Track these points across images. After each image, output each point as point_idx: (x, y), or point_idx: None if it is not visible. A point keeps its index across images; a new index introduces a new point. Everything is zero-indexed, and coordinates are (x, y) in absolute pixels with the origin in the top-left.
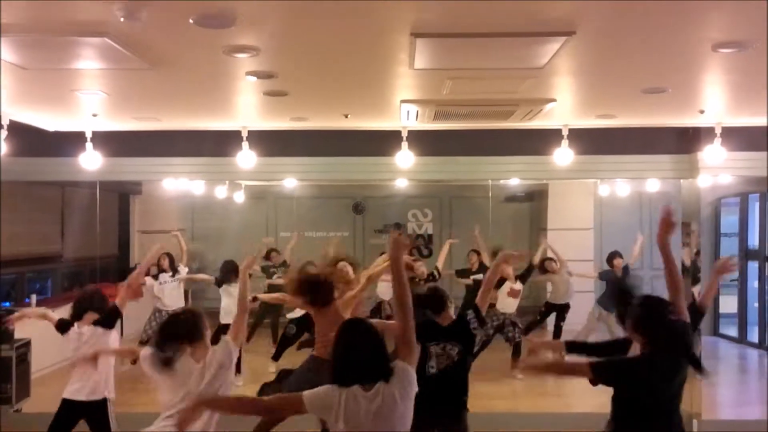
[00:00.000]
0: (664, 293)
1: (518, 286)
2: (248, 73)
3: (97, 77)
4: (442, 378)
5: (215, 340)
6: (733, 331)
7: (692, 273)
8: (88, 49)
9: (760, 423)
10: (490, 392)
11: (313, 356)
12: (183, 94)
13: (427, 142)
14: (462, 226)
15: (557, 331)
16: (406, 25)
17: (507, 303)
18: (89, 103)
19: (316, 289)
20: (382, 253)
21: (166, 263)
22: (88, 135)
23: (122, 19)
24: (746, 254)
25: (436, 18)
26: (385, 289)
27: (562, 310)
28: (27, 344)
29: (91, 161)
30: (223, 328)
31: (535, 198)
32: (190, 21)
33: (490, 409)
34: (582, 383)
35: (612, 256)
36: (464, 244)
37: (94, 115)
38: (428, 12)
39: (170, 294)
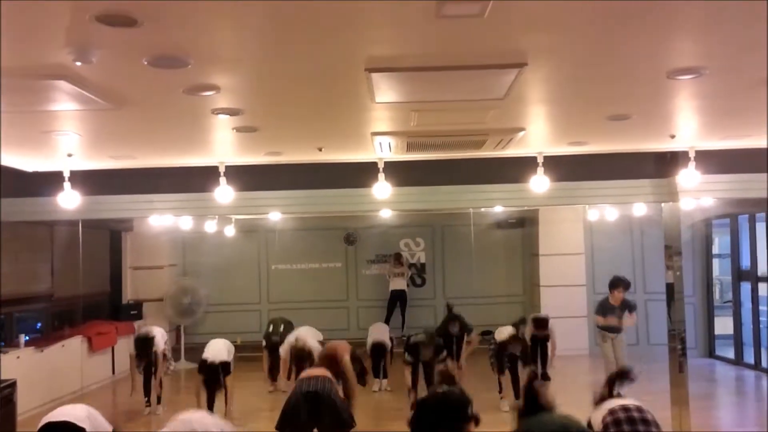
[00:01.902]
0: (657, 316)
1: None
2: (214, 111)
3: (66, 119)
4: None
5: None
6: (729, 353)
7: (669, 295)
8: (50, 91)
9: None
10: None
11: None
12: (153, 133)
13: (407, 173)
14: (454, 254)
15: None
16: (360, 61)
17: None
18: (63, 143)
19: None
20: None
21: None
22: (66, 175)
23: (76, 62)
24: (739, 275)
25: (387, 53)
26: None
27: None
28: (12, 385)
29: (69, 200)
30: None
31: (527, 224)
32: (144, 62)
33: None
34: (569, 408)
35: (614, 285)
36: (455, 271)
37: (70, 155)
38: (379, 48)
39: None
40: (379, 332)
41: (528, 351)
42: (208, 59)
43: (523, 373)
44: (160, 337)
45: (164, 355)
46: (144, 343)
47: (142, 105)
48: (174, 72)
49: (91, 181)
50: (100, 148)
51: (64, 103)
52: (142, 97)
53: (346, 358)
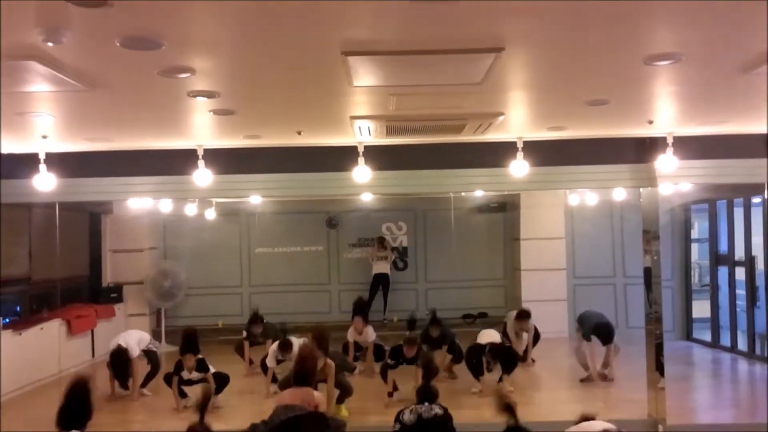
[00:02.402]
0: (636, 300)
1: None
2: (190, 93)
3: (40, 100)
4: None
5: None
6: (706, 336)
7: (647, 279)
8: (22, 72)
9: (725, 426)
10: (457, 402)
11: None
12: (129, 115)
13: (388, 157)
14: (436, 238)
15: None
16: (336, 44)
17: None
18: (37, 125)
19: None
20: None
21: None
22: (42, 156)
23: (47, 43)
24: (716, 259)
25: (364, 36)
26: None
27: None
28: None
29: (45, 183)
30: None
31: (508, 209)
32: (117, 44)
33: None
34: (551, 392)
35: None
36: (437, 255)
37: (44, 137)
38: (356, 31)
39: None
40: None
41: (508, 357)
42: (182, 41)
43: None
44: (135, 344)
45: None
46: (118, 359)
47: (116, 87)
48: (148, 54)
49: (68, 163)
50: (76, 130)
51: (37, 85)
52: (116, 79)
53: (331, 379)
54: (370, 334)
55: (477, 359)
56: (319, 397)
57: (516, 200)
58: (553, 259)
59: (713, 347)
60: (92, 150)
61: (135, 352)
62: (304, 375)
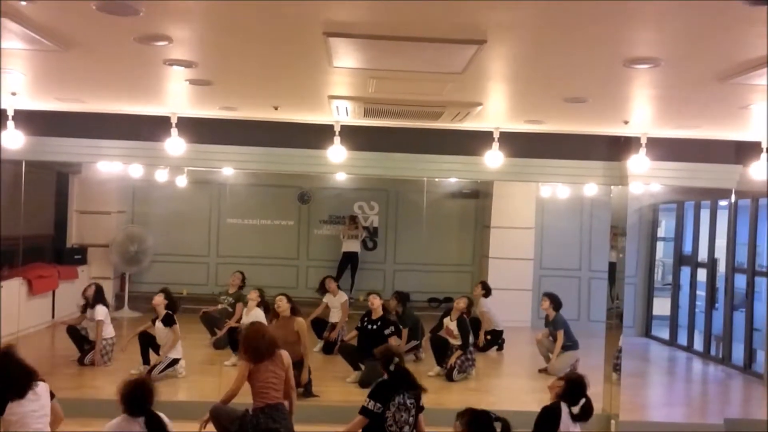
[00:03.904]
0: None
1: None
2: (166, 61)
3: (11, 57)
4: None
5: None
6: (664, 334)
7: (611, 274)
8: None
9: (677, 425)
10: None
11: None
12: (102, 78)
13: (364, 137)
14: (407, 220)
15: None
16: (318, 25)
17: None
18: (7, 82)
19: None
20: None
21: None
22: (10, 113)
23: (21, 1)
24: (680, 259)
25: (347, 19)
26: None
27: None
28: None
29: (12, 140)
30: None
31: (480, 196)
32: (93, 7)
33: None
34: (510, 381)
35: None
36: (407, 237)
37: (14, 94)
38: (339, 12)
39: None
40: None
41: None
42: (160, 9)
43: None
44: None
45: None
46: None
47: (90, 49)
48: (124, 19)
49: (37, 122)
50: (46, 89)
51: (9, 42)
52: (91, 42)
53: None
54: (342, 296)
55: (441, 344)
56: (285, 356)
57: (489, 188)
58: (521, 249)
59: (670, 345)
60: (63, 110)
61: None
62: (258, 352)
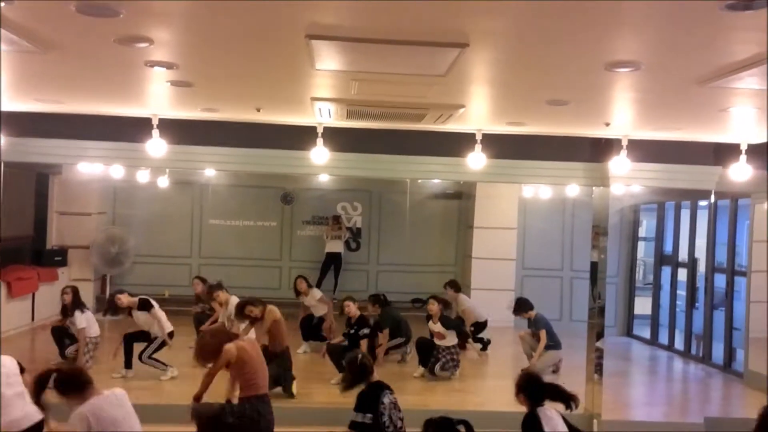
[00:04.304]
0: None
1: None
2: (147, 63)
3: None
4: None
5: None
6: (645, 333)
7: (593, 273)
8: None
9: (658, 424)
10: (402, 387)
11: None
12: (82, 80)
13: (347, 139)
14: (390, 221)
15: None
16: (300, 27)
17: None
18: None
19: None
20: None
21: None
22: None
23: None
24: (661, 259)
25: (330, 21)
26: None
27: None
28: None
29: None
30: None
31: (463, 197)
32: (72, 9)
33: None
34: (495, 382)
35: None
36: (390, 237)
37: None
38: (322, 15)
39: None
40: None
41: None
42: (141, 11)
43: None
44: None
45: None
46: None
47: (70, 51)
48: (105, 21)
49: (16, 122)
50: (26, 90)
51: None
52: (71, 44)
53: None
54: (316, 293)
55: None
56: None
57: (472, 189)
58: (504, 249)
59: (651, 344)
60: (43, 111)
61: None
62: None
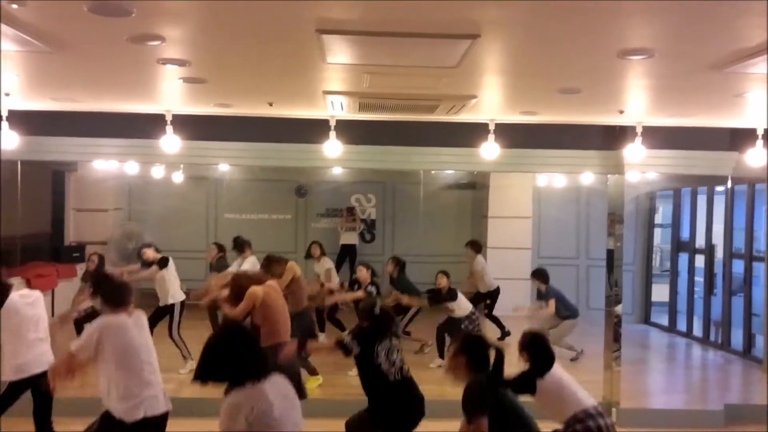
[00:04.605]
0: (598, 281)
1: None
2: (160, 60)
3: (3, 59)
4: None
5: None
6: (663, 320)
7: (609, 261)
8: None
9: (677, 412)
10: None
11: None
12: (96, 78)
13: (359, 131)
14: (404, 212)
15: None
16: (311, 21)
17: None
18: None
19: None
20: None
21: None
22: (4, 114)
23: (11, 5)
24: (678, 246)
25: (340, 16)
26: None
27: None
28: None
29: (7, 141)
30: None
31: (477, 187)
32: (85, 9)
33: None
34: (514, 371)
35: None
36: (405, 228)
37: (7, 95)
38: (332, 10)
39: None
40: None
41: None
42: (152, 9)
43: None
44: None
45: None
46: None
47: (83, 51)
48: (117, 20)
49: (32, 121)
50: (40, 90)
51: (1, 44)
52: (84, 43)
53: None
54: (327, 263)
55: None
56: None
57: (486, 179)
58: (519, 238)
59: (670, 332)
60: (58, 109)
61: None
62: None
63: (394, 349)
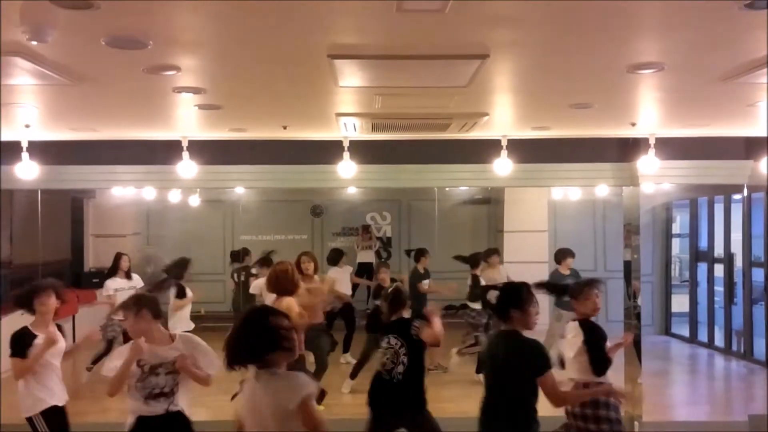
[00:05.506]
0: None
1: None
2: (175, 89)
3: (23, 92)
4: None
5: None
6: (684, 331)
7: (626, 273)
8: (4, 66)
9: (701, 424)
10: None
11: None
12: (113, 108)
13: (373, 151)
14: (420, 229)
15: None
16: (322, 47)
17: None
18: (20, 115)
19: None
20: None
21: (126, 265)
22: (24, 145)
23: (31, 42)
24: (696, 256)
25: (350, 41)
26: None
27: None
28: None
29: (27, 170)
30: None
31: (492, 202)
32: (103, 43)
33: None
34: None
35: (563, 255)
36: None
37: (27, 126)
38: (341, 36)
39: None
40: None
41: None
42: (168, 40)
43: None
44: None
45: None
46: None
47: (101, 82)
48: (134, 52)
49: (52, 151)
50: (59, 120)
51: (21, 78)
52: (102, 75)
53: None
54: (349, 267)
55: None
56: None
57: (500, 194)
58: (535, 252)
59: (691, 342)
60: (76, 138)
61: None
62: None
63: (391, 348)
